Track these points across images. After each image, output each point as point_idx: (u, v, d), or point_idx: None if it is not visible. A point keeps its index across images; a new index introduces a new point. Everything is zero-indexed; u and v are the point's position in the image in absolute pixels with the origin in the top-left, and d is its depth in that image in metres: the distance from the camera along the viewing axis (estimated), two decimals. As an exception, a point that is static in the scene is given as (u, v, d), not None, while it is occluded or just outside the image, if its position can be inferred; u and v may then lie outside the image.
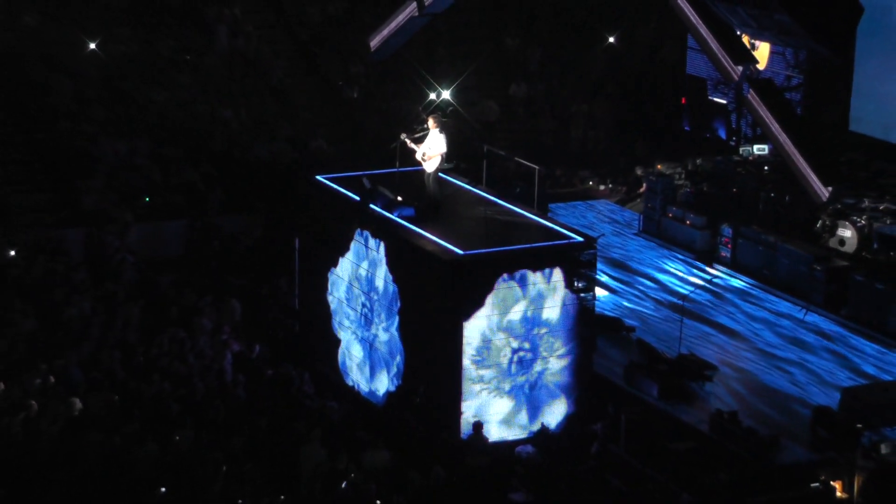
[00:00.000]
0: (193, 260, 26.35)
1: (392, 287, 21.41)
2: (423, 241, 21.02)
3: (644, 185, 30.46)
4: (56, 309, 22.91)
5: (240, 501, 18.07)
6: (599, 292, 23.01)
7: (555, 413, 21.12)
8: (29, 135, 28.23)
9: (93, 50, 29.84)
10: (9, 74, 29.19)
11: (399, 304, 21.31)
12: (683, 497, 18.83)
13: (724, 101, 32.83)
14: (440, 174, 22.45)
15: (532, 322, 20.71)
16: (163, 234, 26.74)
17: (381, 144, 26.39)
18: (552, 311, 20.77)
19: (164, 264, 25.61)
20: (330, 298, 23.22)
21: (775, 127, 26.77)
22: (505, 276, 20.42)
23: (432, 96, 29.88)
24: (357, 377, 22.71)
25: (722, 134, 32.82)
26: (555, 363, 20.99)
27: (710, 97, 33.28)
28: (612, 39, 34.31)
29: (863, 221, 25.69)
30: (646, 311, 25.25)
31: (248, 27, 32.47)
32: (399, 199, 21.99)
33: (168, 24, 31.79)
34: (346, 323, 22.87)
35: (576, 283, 20.85)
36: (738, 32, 28.32)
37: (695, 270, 27.34)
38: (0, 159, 27.41)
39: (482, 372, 20.52)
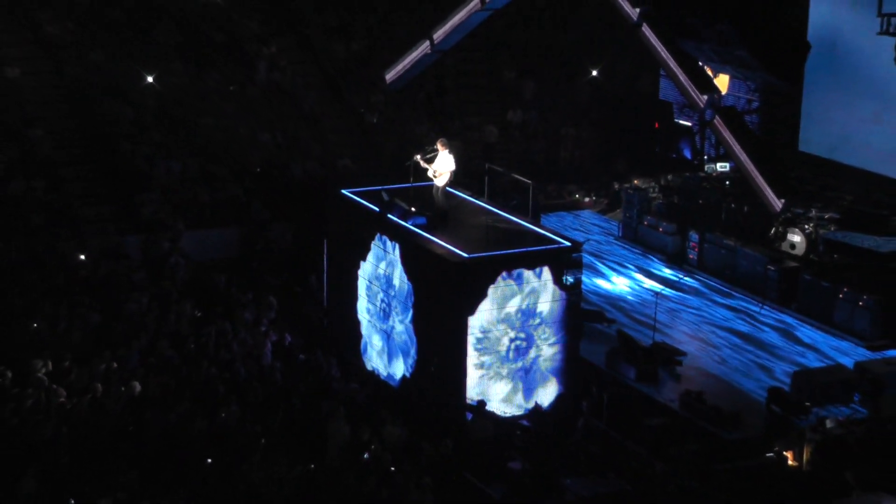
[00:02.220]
0: (236, 262, 26.29)
1: (407, 285, 21.34)
2: (434, 246, 20.95)
3: (623, 197, 30.37)
4: (118, 304, 22.88)
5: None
6: (586, 286, 22.90)
7: (547, 393, 21.03)
8: (95, 155, 28.21)
9: (150, 82, 29.84)
10: (79, 103, 29.17)
11: (413, 299, 21.24)
12: (657, 465, 18.77)
13: (688, 124, 32.74)
14: (448, 188, 22.41)
15: (527, 315, 20.61)
16: (210, 240, 26.68)
17: (397, 163, 26.31)
18: (544, 305, 20.69)
19: (211, 266, 25.56)
20: (354, 295, 23.15)
21: (736, 147, 26.75)
22: (504, 274, 20.35)
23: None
24: (377, 363, 22.64)
25: (687, 154, 32.69)
26: (547, 350, 20.90)
27: (676, 119, 33.20)
28: (595, 73, 34.22)
29: (810, 228, 25.63)
30: (624, 305, 25.18)
31: (283, 62, 32.42)
32: (413, 209, 21.94)
33: (214, 59, 31.76)
34: (368, 316, 22.80)
35: (564, 281, 20.78)
36: (703, 66, 28.28)
37: (666, 270, 27.29)
38: (71, 177, 27.39)
39: (484, 358, 20.44)
